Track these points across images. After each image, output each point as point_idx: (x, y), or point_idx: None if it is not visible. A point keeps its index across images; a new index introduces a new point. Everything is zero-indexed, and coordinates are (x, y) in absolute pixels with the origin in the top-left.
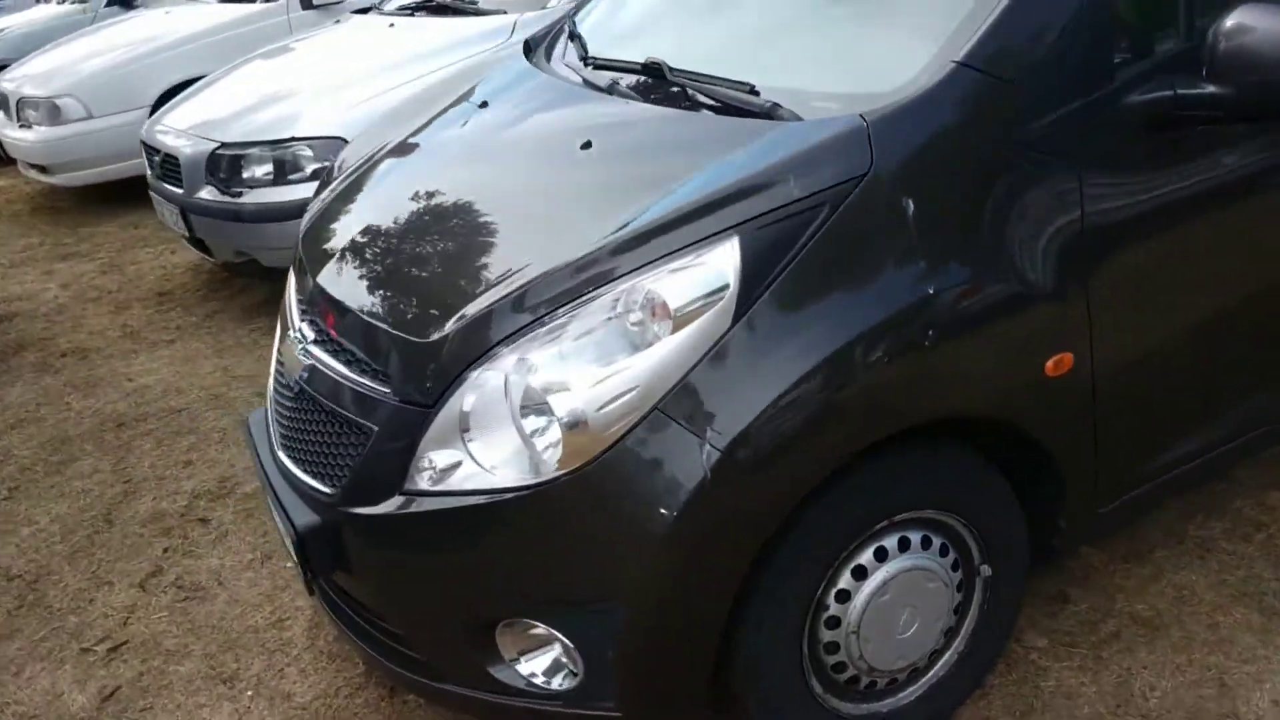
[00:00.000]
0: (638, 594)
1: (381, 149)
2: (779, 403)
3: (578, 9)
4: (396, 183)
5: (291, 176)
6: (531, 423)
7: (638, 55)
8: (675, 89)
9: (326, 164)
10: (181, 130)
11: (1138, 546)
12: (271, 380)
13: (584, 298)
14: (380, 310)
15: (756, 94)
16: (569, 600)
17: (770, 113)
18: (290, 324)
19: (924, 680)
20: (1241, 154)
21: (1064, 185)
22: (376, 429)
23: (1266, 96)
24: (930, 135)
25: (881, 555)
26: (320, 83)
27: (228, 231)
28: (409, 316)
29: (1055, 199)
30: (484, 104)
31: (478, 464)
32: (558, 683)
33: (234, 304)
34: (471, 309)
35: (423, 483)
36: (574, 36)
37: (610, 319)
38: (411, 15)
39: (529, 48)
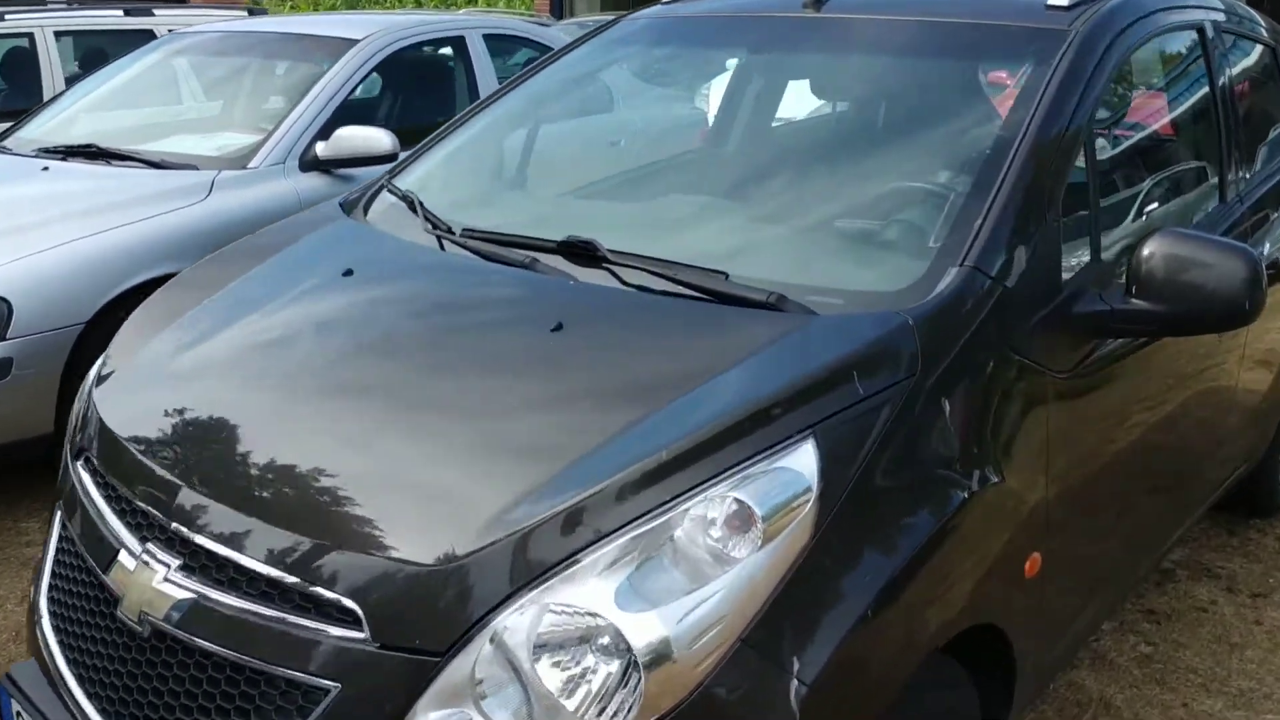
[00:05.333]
0: None
1: (195, 327)
2: (860, 624)
3: (394, 171)
4: (282, 365)
5: None
6: (589, 667)
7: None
8: (619, 268)
9: None
10: None
11: None
12: (48, 626)
13: (651, 513)
14: (336, 525)
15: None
16: None
17: (777, 305)
18: (107, 541)
19: None
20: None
21: (1038, 387)
22: (337, 686)
23: (1181, 313)
24: (956, 335)
25: None
26: None
27: None
28: (391, 535)
29: (1032, 400)
30: (349, 272)
31: None
32: None
33: None
34: (498, 529)
35: None
36: (410, 201)
37: (687, 536)
38: (64, 160)
39: (345, 209)
